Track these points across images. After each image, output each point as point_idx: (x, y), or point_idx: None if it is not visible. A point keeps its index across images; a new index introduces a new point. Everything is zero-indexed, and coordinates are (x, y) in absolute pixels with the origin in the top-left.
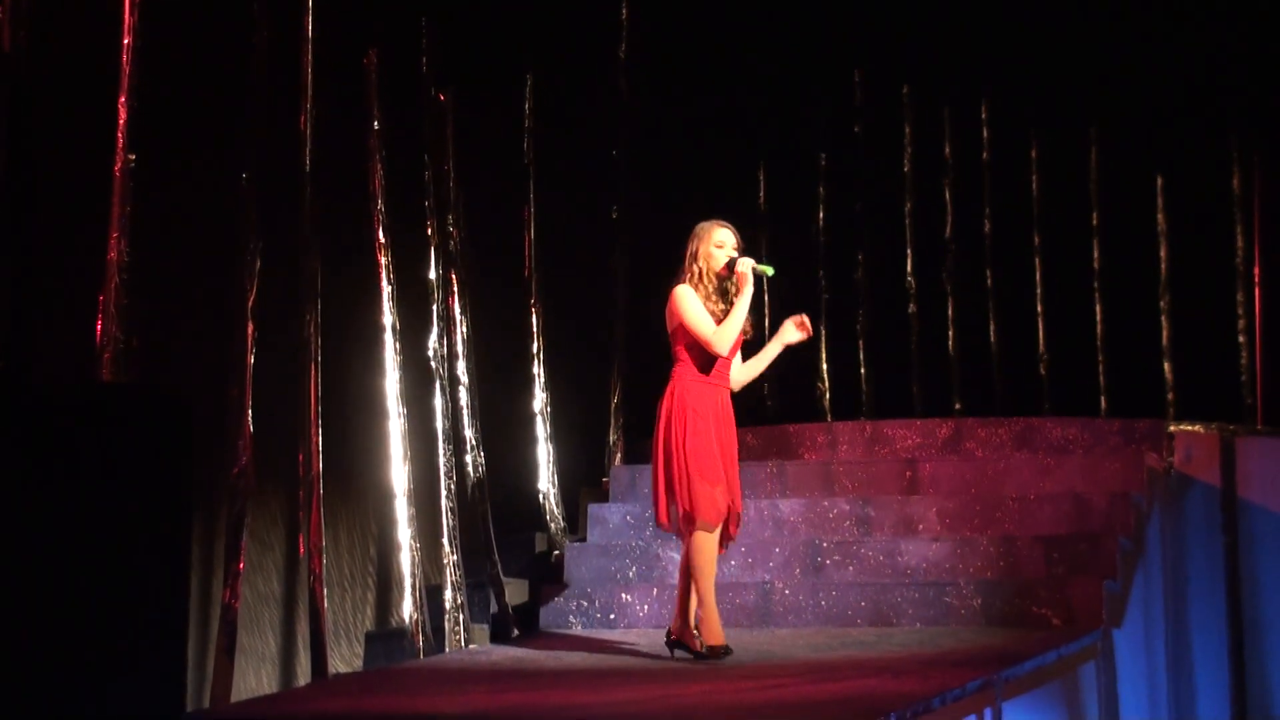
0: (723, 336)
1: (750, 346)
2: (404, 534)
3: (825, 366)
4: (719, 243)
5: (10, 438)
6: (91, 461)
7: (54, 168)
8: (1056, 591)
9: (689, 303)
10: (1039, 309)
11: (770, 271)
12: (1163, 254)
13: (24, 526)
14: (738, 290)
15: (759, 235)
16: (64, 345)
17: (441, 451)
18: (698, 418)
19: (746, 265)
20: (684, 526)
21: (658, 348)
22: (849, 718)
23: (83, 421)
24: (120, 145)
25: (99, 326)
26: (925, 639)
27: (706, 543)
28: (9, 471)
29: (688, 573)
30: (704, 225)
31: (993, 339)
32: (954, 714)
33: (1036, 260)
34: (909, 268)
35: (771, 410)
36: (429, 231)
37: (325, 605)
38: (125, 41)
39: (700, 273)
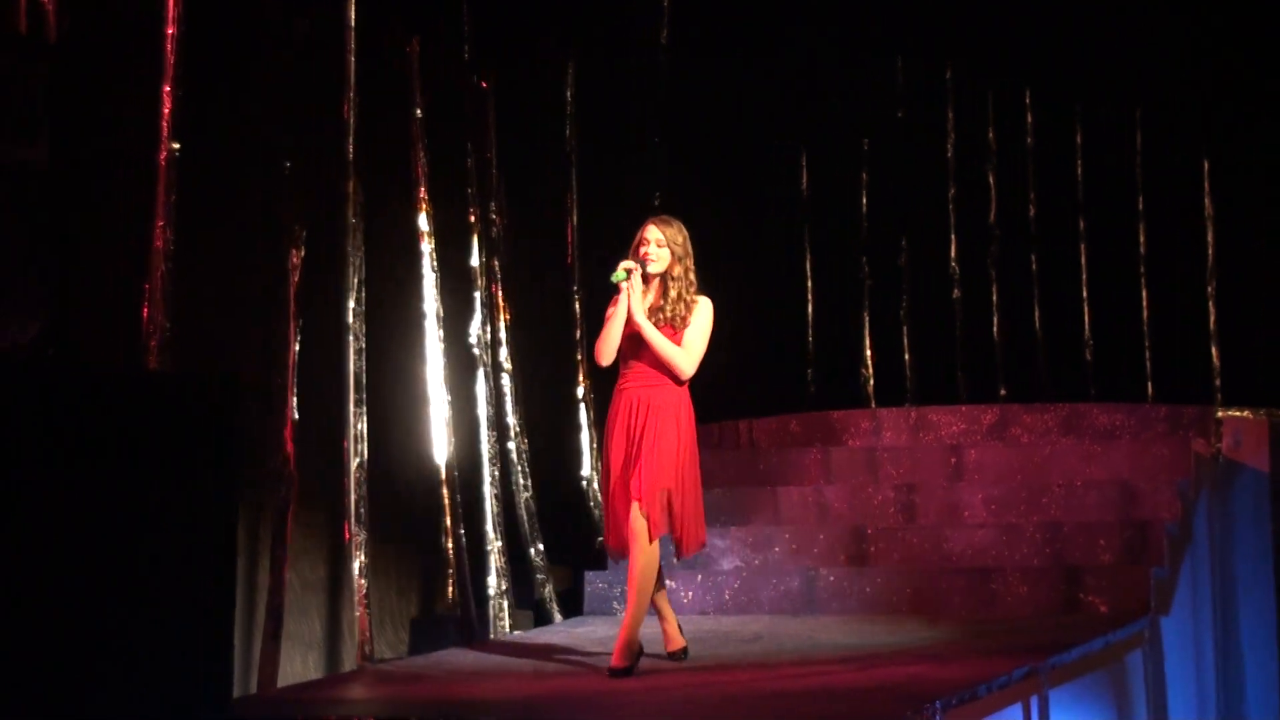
0: (597, 347)
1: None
2: (448, 520)
3: (869, 353)
4: (643, 239)
5: (57, 425)
6: (138, 449)
7: (99, 157)
8: (1103, 579)
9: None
10: (1084, 294)
11: (616, 277)
12: (1209, 238)
13: (72, 513)
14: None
15: (801, 221)
16: (110, 333)
17: (485, 438)
18: (608, 428)
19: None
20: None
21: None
22: (894, 705)
23: (129, 408)
24: (165, 134)
25: (145, 314)
26: (970, 626)
27: (637, 557)
28: (57, 458)
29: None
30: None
31: (1038, 324)
32: (1000, 702)
33: (1082, 245)
34: (953, 253)
35: (816, 397)
36: (471, 218)
37: (369, 591)
38: (169, 31)
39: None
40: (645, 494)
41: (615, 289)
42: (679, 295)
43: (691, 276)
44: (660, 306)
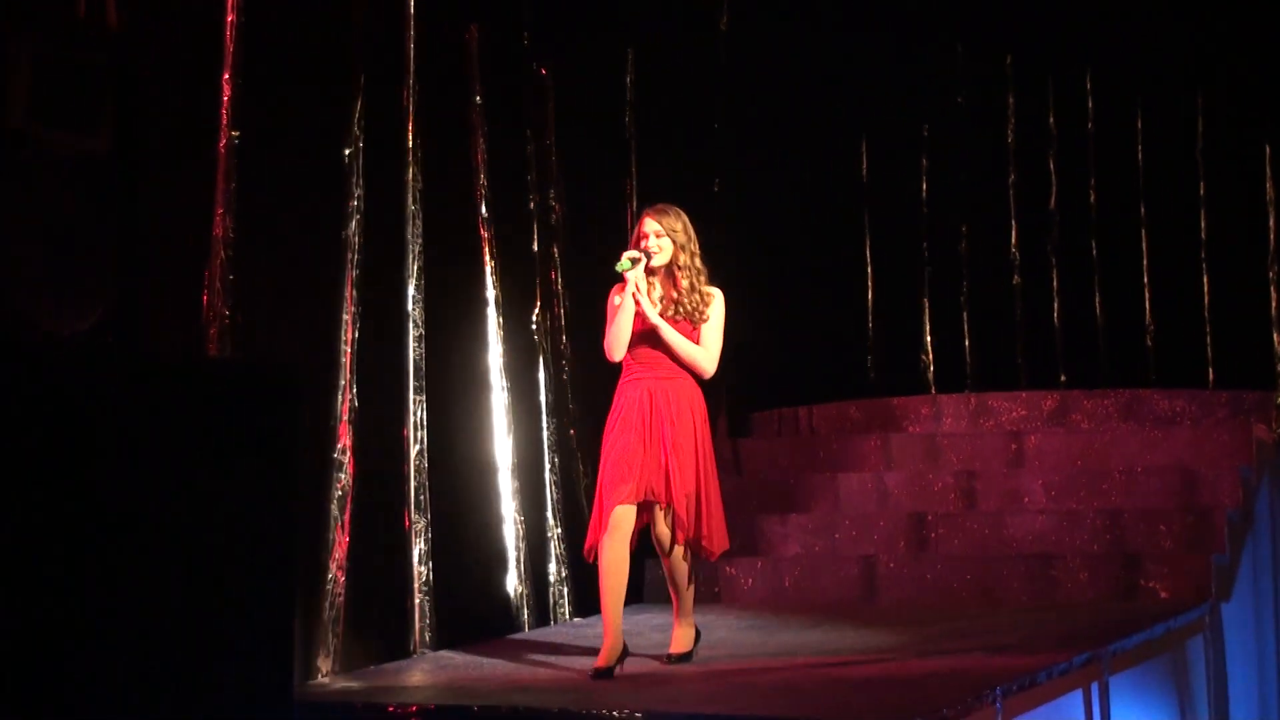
0: (606, 342)
1: None
2: (508, 508)
3: (929, 339)
4: (642, 233)
5: (116, 412)
6: (197, 437)
7: (160, 145)
8: (1163, 565)
9: (609, 304)
10: (1145, 280)
11: (621, 267)
12: (1271, 223)
13: (130, 502)
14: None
15: (861, 208)
16: (170, 321)
17: (545, 425)
18: (613, 421)
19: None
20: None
21: (761, 322)
22: (954, 692)
23: (188, 397)
24: (224, 122)
25: (204, 301)
26: (1031, 613)
27: (600, 552)
28: (115, 446)
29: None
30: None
31: (1098, 310)
32: (1060, 688)
33: (1142, 230)
34: (1013, 239)
35: (875, 383)
36: (531, 205)
37: (429, 578)
38: (229, 19)
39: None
40: (676, 494)
41: (619, 279)
42: (691, 285)
43: (699, 264)
44: (675, 299)
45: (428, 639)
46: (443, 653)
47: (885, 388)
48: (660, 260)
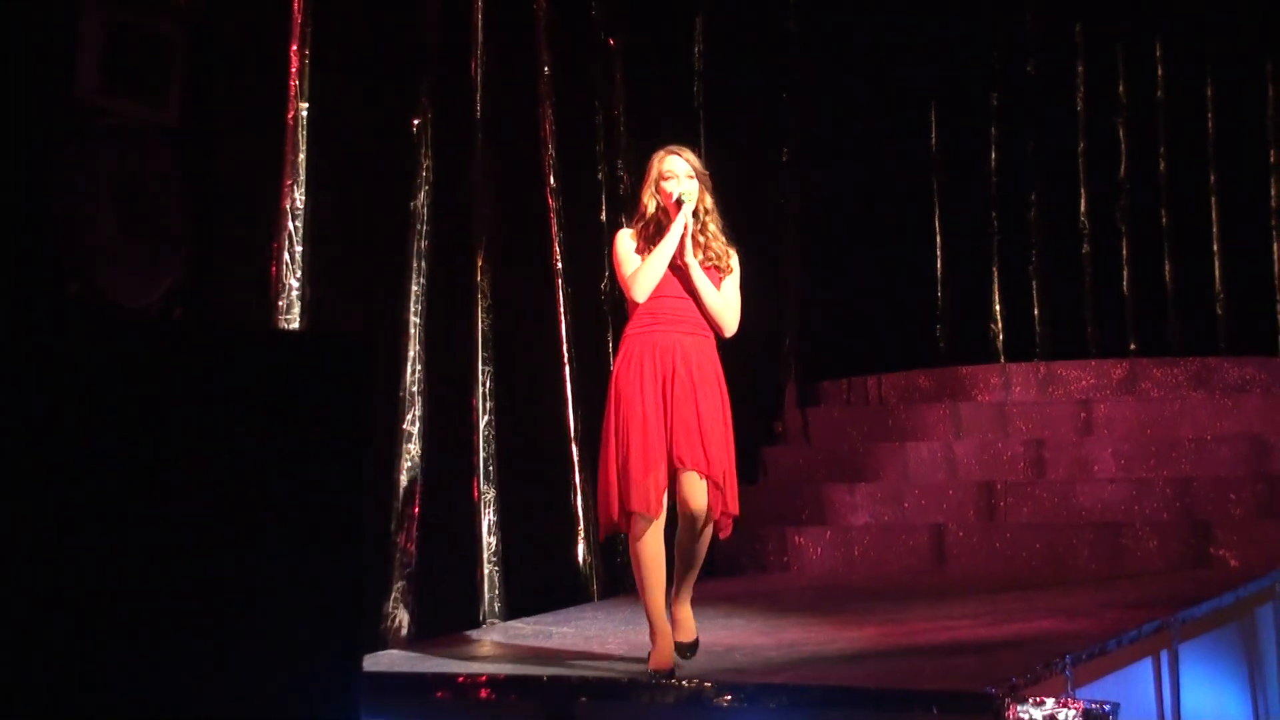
0: (638, 279)
1: None
2: (577, 477)
3: (999, 308)
4: (666, 173)
5: (185, 385)
6: (267, 409)
7: (229, 117)
8: (1233, 533)
9: (620, 246)
10: (1215, 248)
11: (685, 195)
12: None
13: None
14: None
15: (930, 177)
16: (238, 293)
17: None
18: (628, 379)
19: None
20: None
21: (830, 292)
22: (1024, 659)
23: (258, 369)
24: (293, 93)
25: (274, 273)
26: (1100, 581)
27: (637, 543)
28: (184, 419)
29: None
30: (655, 154)
31: (1168, 278)
32: (1130, 656)
33: (1212, 198)
34: (1082, 208)
35: (944, 352)
36: (599, 176)
37: (499, 548)
38: None
39: (645, 212)
40: (713, 465)
41: (658, 219)
42: (716, 232)
43: (718, 212)
44: (703, 245)
45: (497, 609)
46: (512, 623)
47: (954, 357)
48: (691, 206)
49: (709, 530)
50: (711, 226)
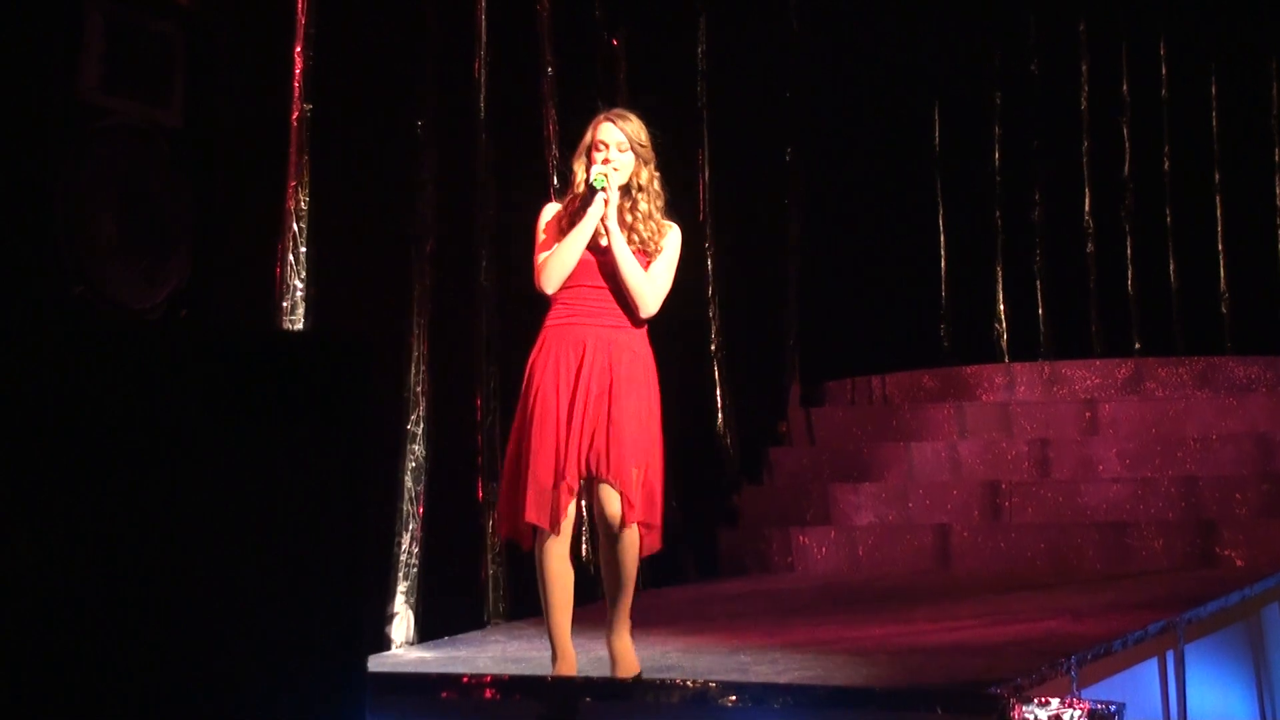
0: (546, 270)
1: None
2: None
3: (1003, 307)
4: (598, 143)
5: (193, 386)
6: (270, 410)
7: (232, 117)
8: (1239, 533)
9: (539, 224)
10: (1219, 246)
11: (598, 183)
12: None
13: (202, 476)
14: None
15: (934, 176)
16: (242, 294)
17: None
18: (540, 373)
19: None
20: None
21: (834, 292)
22: (1029, 660)
23: (261, 370)
24: (297, 94)
25: (278, 274)
26: (1105, 581)
27: (538, 557)
28: (188, 420)
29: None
30: (594, 119)
31: (1172, 277)
32: (1135, 656)
33: (1217, 197)
34: (1087, 207)
35: (949, 352)
36: None
37: (504, 549)
38: None
39: (575, 183)
40: (621, 469)
41: (584, 199)
42: (649, 212)
43: (659, 187)
44: (630, 225)
45: (501, 610)
46: (516, 623)
47: (959, 356)
48: (619, 179)
49: (630, 543)
50: (644, 205)
